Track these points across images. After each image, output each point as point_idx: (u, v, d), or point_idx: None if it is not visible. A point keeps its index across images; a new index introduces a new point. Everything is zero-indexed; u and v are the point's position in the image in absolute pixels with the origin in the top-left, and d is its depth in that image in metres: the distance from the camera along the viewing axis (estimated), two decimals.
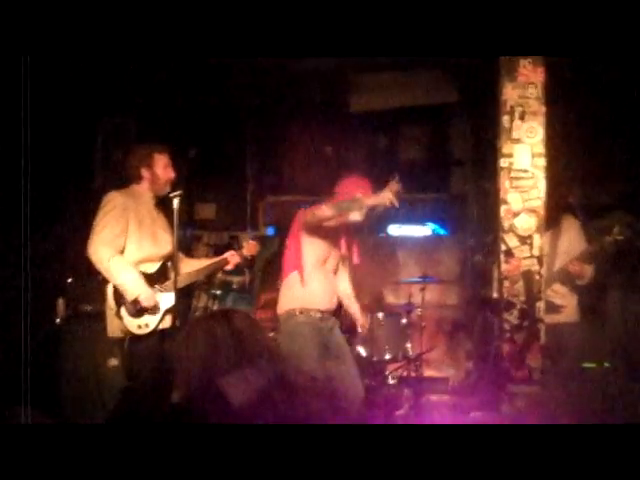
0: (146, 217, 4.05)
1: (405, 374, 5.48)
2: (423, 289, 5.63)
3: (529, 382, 3.84)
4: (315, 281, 4.14)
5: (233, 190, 6.92)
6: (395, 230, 6.75)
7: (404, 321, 5.56)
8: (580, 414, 3.45)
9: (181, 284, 4.08)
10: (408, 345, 5.51)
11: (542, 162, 3.90)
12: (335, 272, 4.30)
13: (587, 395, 3.76)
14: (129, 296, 3.87)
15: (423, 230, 6.76)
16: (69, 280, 5.11)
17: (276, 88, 6.09)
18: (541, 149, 3.90)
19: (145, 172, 4.08)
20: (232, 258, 4.36)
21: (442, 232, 6.76)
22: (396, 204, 3.76)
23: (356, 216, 3.90)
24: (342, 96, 6.43)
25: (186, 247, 6.27)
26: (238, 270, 6.58)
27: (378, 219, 4.66)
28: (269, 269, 6.48)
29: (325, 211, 3.92)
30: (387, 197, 3.79)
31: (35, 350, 4.37)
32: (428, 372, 5.84)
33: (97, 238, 3.84)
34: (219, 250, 6.48)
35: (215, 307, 5.93)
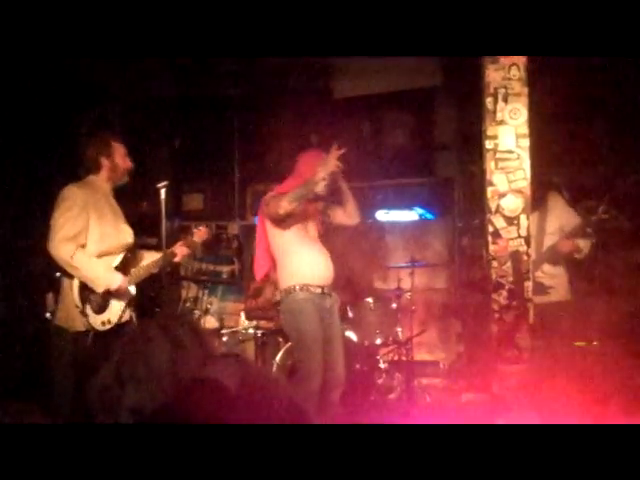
0: (106, 209, 3.98)
1: (396, 358, 5.51)
2: (412, 273, 5.65)
3: (519, 362, 3.88)
4: (304, 253, 4.17)
5: (220, 180, 6.92)
6: (382, 215, 6.76)
7: (394, 306, 5.60)
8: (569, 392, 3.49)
9: (140, 277, 4.07)
10: (398, 329, 5.55)
11: (526, 143, 3.93)
12: (321, 237, 4.34)
13: (577, 374, 3.81)
14: (100, 287, 3.82)
15: (410, 215, 6.77)
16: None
17: (260, 76, 6.08)
18: (525, 130, 3.93)
19: (104, 161, 4.01)
20: (180, 250, 4.30)
21: (429, 216, 6.78)
22: (341, 166, 3.98)
23: (319, 190, 4.06)
24: (326, 82, 6.42)
25: (174, 238, 6.27)
26: (227, 259, 6.60)
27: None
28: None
29: (286, 206, 3.98)
30: (332, 163, 3.94)
31: (25, 344, 4.38)
32: (419, 356, 5.87)
33: (58, 235, 3.76)
34: (207, 240, 6.49)
35: (205, 297, 5.93)
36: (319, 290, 4.17)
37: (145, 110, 6.19)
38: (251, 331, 5.79)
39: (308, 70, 6.14)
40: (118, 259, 3.98)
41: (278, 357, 5.31)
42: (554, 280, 4.46)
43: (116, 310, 3.91)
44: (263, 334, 5.70)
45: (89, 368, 3.72)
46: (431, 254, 6.43)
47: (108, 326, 3.87)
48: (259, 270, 4.41)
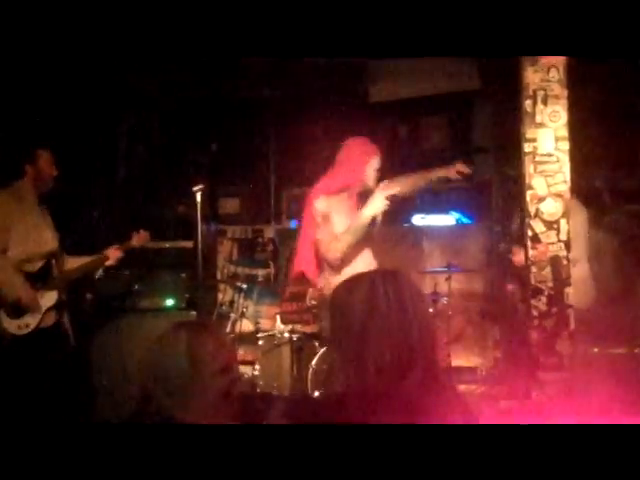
0: (29, 215, 3.98)
1: None
2: (448, 278, 5.59)
3: (559, 369, 3.80)
4: (353, 254, 4.02)
5: (256, 184, 6.93)
6: (419, 220, 6.70)
7: (430, 310, 5.55)
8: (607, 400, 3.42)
9: (63, 283, 4.09)
10: None
11: (566, 146, 3.86)
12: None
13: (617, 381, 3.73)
14: (10, 297, 3.83)
15: (447, 219, 6.71)
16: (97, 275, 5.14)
17: (296, 79, 6.08)
18: (565, 133, 3.85)
19: (28, 168, 3.99)
20: (113, 253, 4.28)
21: (466, 221, 6.71)
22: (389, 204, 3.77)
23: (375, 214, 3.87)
24: (362, 86, 6.40)
25: (211, 242, 6.30)
26: (263, 263, 6.60)
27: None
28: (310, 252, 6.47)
29: (343, 250, 3.85)
30: (380, 203, 3.76)
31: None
32: (456, 362, 5.80)
33: None
34: (244, 244, 6.51)
35: (241, 301, 5.93)
36: None
37: (182, 114, 6.23)
38: (287, 335, 5.78)
39: (344, 73, 6.12)
40: (39, 265, 3.98)
41: (314, 361, 5.29)
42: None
43: (34, 319, 3.91)
44: (299, 338, 5.68)
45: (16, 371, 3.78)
46: (468, 259, 6.35)
47: (26, 330, 3.87)
48: (301, 265, 4.26)
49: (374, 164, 4.02)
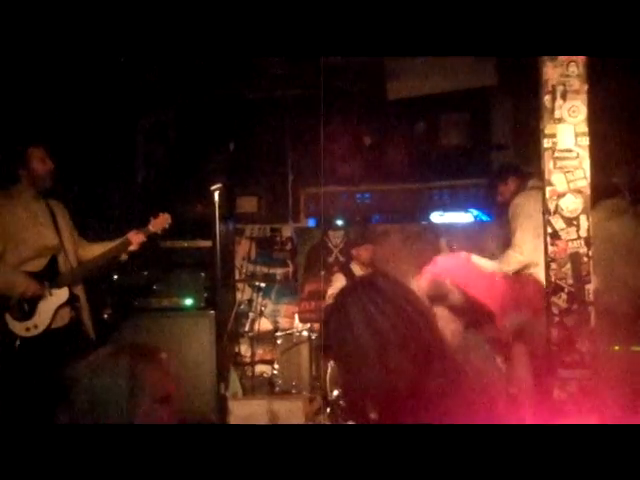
0: (24, 216, 3.92)
1: None
2: None
3: (580, 366, 3.76)
4: None
5: (274, 182, 6.93)
6: (438, 217, 6.67)
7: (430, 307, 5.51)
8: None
9: (80, 276, 4.03)
10: None
11: (586, 141, 3.81)
12: None
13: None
14: (14, 295, 3.79)
15: (466, 217, 6.68)
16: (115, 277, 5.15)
17: (312, 78, 6.07)
18: (584, 128, 3.81)
19: (21, 171, 3.94)
20: (135, 237, 4.18)
21: (485, 218, 6.67)
22: None
23: None
24: (379, 84, 6.37)
25: (229, 241, 6.31)
26: (282, 262, 6.61)
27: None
28: (312, 260, 6.48)
29: None
30: None
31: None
32: None
33: None
34: (262, 243, 6.51)
35: (259, 299, 5.94)
36: None
37: (200, 113, 6.24)
38: (305, 333, 5.78)
39: (362, 71, 6.11)
40: (43, 264, 3.92)
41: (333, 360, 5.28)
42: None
43: (45, 315, 3.86)
44: (317, 337, 5.68)
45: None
46: (487, 256, 6.31)
47: (35, 332, 3.81)
48: None
49: None
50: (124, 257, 4.25)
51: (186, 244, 5.52)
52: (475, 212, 6.65)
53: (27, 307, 3.83)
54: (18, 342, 3.79)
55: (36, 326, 3.83)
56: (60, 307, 3.91)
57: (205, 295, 5.44)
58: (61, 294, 3.92)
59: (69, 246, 4.04)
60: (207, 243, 5.40)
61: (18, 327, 3.81)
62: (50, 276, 3.93)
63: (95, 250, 4.19)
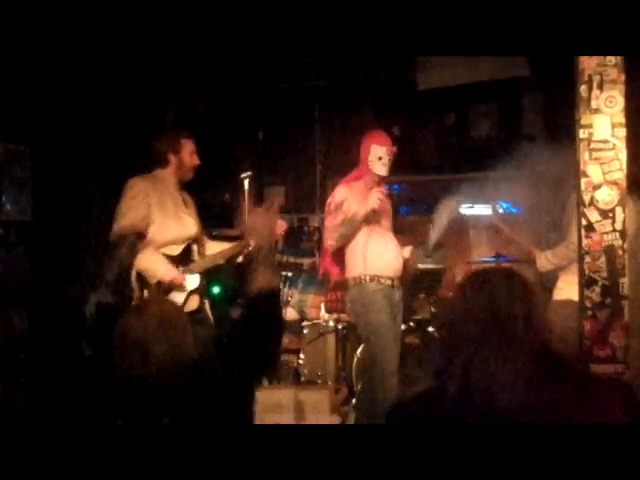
0: (169, 201, 4.05)
1: None
2: None
3: (612, 361, 3.71)
4: (375, 243, 4.13)
5: (302, 172, 6.92)
6: (467, 210, 6.61)
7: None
8: None
9: (204, 266, 4.11)
10: None
11: (623, 132, 3.74)
12: (393, 229, 4.49)
13: None
14: (152, 278, 3.87)
15: (494, 209, 6.59)
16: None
17: (343, 68, 6.04)
18: (621, 119, 3.74)
19: (172, 157, 4.09)
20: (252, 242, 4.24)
21: (515, 210, 6.59)
22: (380, 203, 4.14)
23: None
24: (408, 74, 6.32)
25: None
26: (309, 252, 6.60)
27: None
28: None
29: (335, 245, 4.21)
30: (373, 201, 4.08)
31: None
32: None
33: (120, 222, 3.87)
34: (289, 233, 6.49)
35: (286, 289, 5.93)
36: (389, 282, 4.10)
37: (229, 103, 6.24)
38: (331, 324, 5.77)
39: (391, 61, 6.07)
40: (179, 249, 4.02)
41: (359, 350, 5.27)
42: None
43: (177, 299, 3.92)
44: (344, 327, 5.67)
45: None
46: (516, 249, 6.24)
47: None
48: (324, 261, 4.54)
49: (377, 152, 4.22)
50: (238, 259, 4.31)
51: (214, 232, 5.52)
52: (505, 204, 6.57)
53: (158, 291, 3.90)
54: None
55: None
56: (191, 293, 4.01)
57: (232, 284, 5.46)
58: (194, 279, 4.02)
59: (201, 237, 4.20)
60: (233, 232, 5.41)
61: None
62: (184, 261, 4.03)
63: (216, 247, 4.28)
